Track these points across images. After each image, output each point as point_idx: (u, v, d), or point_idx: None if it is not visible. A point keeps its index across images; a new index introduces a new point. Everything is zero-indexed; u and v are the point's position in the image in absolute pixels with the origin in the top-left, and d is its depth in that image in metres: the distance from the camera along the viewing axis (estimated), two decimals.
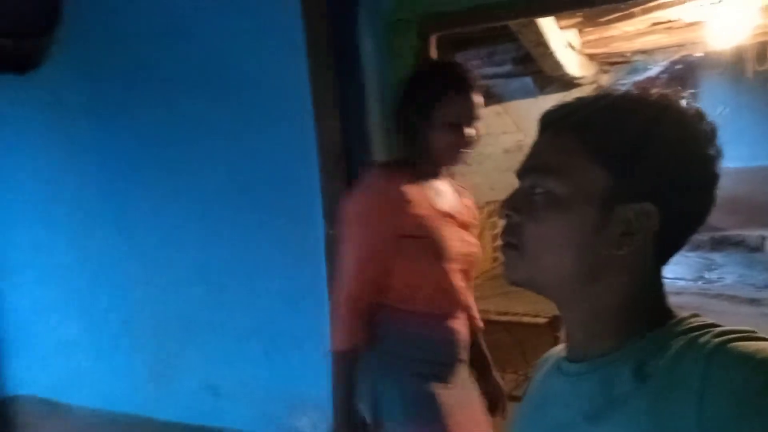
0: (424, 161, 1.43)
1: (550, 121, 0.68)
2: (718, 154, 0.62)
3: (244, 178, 1.99)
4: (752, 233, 7.09)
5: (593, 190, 0.62)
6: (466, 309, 1.52)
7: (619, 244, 0.61)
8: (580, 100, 0.67)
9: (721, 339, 0.56)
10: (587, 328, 0.66)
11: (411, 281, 1.39)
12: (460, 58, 4.79)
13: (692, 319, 0.62)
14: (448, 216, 1.43)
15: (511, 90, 6.57)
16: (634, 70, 6.76)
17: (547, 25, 2.73)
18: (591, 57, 3.91)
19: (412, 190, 1.38)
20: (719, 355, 0.55)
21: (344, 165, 1.83)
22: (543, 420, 0.69)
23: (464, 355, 1.48)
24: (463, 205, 1.52)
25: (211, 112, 2.01)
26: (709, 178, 0.63)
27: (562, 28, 3.09)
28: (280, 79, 1.88)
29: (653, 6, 2.85)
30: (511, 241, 0.66)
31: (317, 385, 1.97)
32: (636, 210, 0.61)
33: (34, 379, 2.49)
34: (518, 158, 0.69)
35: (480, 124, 1.41)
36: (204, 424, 2.13)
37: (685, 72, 7.46)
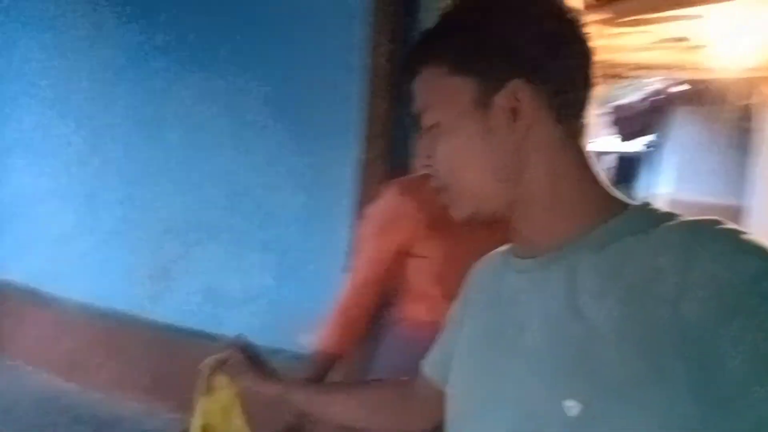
0: None
1: (407, 65, 0.69)
2: (570, 20, 0.62)
3: (286, 87, 2.00)
4: None
5: (465, 98, 0.63)
6: None
7: (513, 129, 0.62)
8: (426, 31, 0.69)
9: (698, 230, 0.53)
10: (535, 223, 0.64)
11: (413, 300, 1.38)
12: None
13: (650, 207, 0.60)
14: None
15: None
16: (617, 93, 7.04)
17: None
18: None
19: (426, 207, 1.32)
20: (698, 248, 0.51)
21: (390, 90, 1.88)
22: (502, 319, 0.67)
23: None
24: None
25: (258, 14, 2.01)
26: (568, 37, 0.62)
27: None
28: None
29: (670, 17, 3.01)
30: (440, 186, 0.67)
31: (327, 303, 2.00)
32: (507, 92, 0.61)
33: (15, 264, 2.41)
34: None
35: None
36: (201, 330, 2.11)
37: (662, 103, 7.82)
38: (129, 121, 2.18)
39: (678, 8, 2.95)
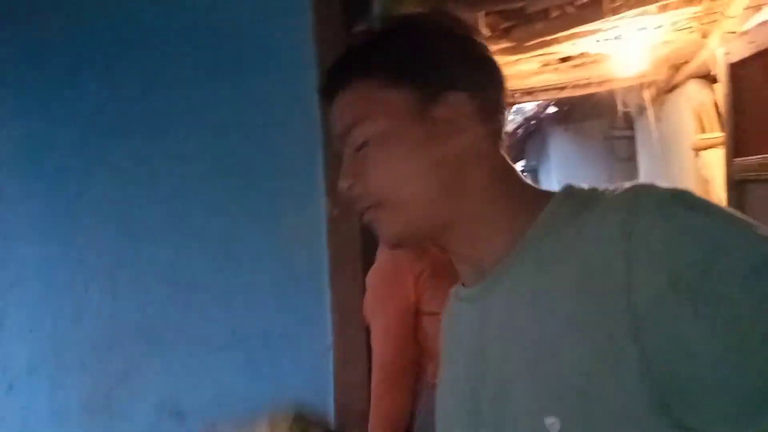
0: None
1: (330, 87, 0.67)
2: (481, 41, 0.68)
3: (234, 156, 1.76)
4: None
5: (403, 109, 0.62)
6: None
7: (454, 140, 0.62)
8: (348, 46, 0.70)
9: (637, 207, 0.50)
10: (475, 241, 0.63)
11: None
12: None
13: (574, 191, 0.60)
14: None
15: None
16: None
17: None
18: None
19: (422, 260, 1.30)
20: (642, 228, 0.48)
21: None
22: (460, 354, 0.67)
23: None
24: None
25: (196, 87, 1.77)
26: (483, 53, 0.67)
27: None
28: (282, 40, 1.72)
29: (564, 37, 3.15)
30: (370, 204, 0.64)
31: (315, 391, 1.72)
32: (446, 104, 0.62)
33: None
34: None
35: None
36: None
37: (538, 126, 8.34)
38: (48, 225, 1.84)
39: (571, 28, 3.08)
